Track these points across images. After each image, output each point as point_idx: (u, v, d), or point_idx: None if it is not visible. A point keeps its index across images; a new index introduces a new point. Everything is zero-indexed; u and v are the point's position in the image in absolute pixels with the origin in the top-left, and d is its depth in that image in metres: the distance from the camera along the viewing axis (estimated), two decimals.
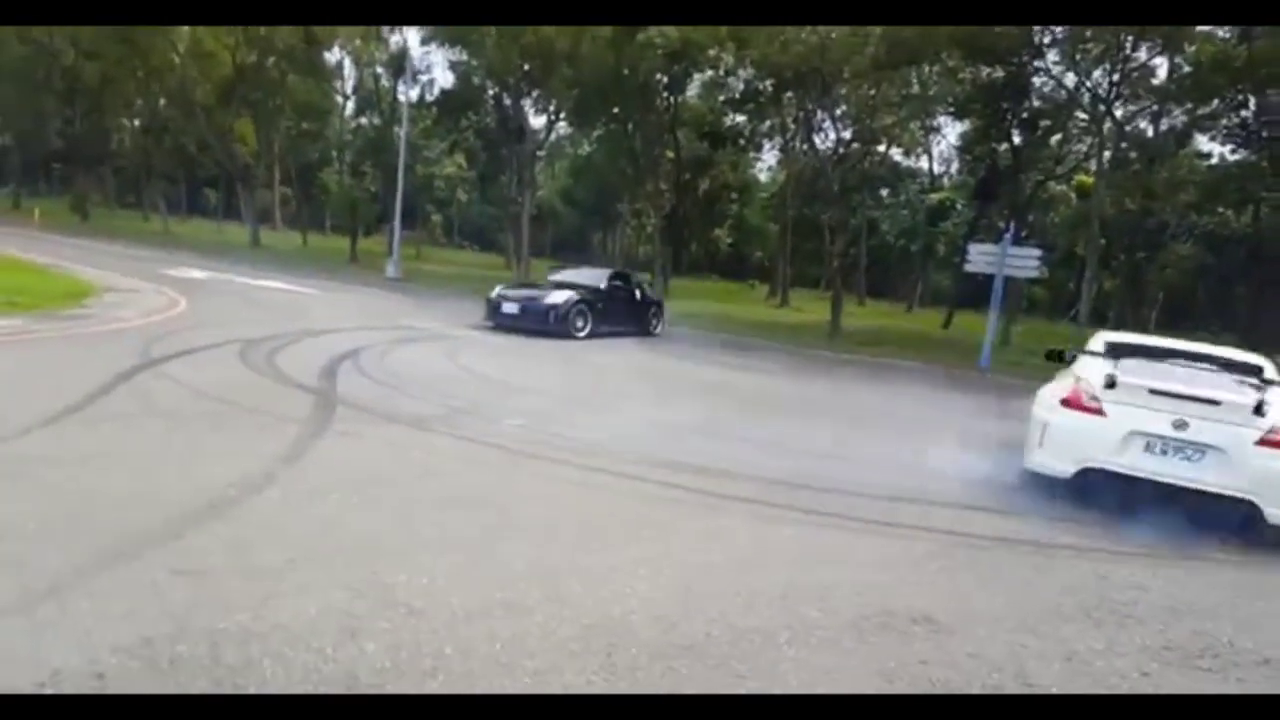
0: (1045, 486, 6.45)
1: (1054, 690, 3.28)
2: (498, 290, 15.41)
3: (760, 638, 3.45)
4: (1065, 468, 6.20)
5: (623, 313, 16.17)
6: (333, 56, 41.12)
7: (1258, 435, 5.73)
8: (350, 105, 46.73)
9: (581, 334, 14.68)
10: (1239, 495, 5.71)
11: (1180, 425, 5.88)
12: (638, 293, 17.12)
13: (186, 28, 40.33)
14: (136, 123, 51.11)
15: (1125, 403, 6.06)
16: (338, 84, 44.48)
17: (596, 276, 16.24)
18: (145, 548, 3.69)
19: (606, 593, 3.74)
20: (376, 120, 40.01)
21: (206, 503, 4.31)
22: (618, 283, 16.45)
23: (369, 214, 39.09)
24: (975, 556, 4.98)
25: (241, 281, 18.86)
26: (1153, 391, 6.00)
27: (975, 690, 3.21)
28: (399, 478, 5.28)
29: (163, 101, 43.44)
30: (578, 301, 14.71)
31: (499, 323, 14.72)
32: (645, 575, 4.01)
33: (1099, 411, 6.11)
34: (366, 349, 10.47)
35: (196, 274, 19.20)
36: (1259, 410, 5.79)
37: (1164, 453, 5.93)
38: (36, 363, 7.80)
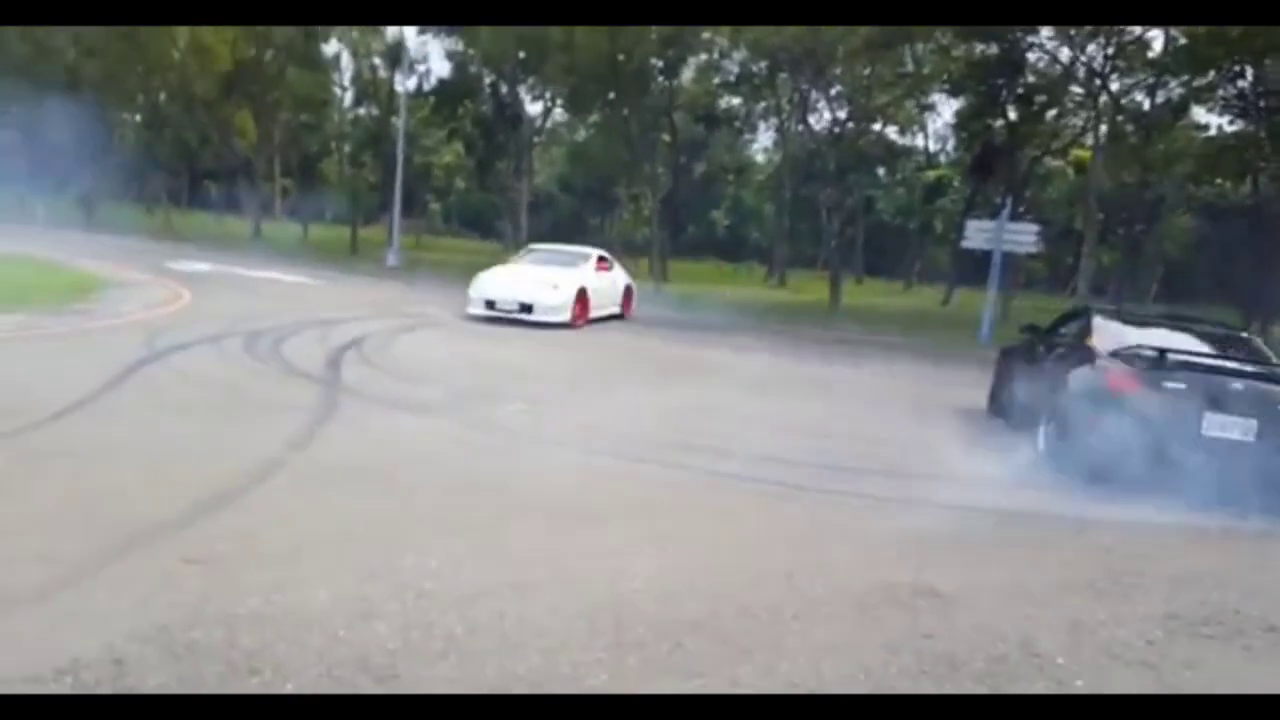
0: (1048, 461, 6.49)
1: (1060, 660, 3.32)
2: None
3: (766, 614, 3.50)
4: None
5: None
6: (330, 49, 41.02)
7: None
8: (349, 97, 46.61)
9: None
10: None
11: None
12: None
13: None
14: (137, 118, 50.99)
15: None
16: (336, 76, 44.36)
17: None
18: (158, 537, 3.74)
19: (612, 572, 3.79)
20: (375, 111, 39.93)
21: (216, 492, 4.35)
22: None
23: (369, 203, 39.06)
24: (978, 530, 5.02)
25: (244, 273, 18.88)
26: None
27: (979, 661, 3.25)
28: (404, 463, 5.32)
29: (163, 96, 43.36)
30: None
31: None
32: (651, 554, 4.05)
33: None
34: (368, 337, 10.51)
35: (200, 266, 19.23)
36: None
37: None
38: (45, 357, 7.83)
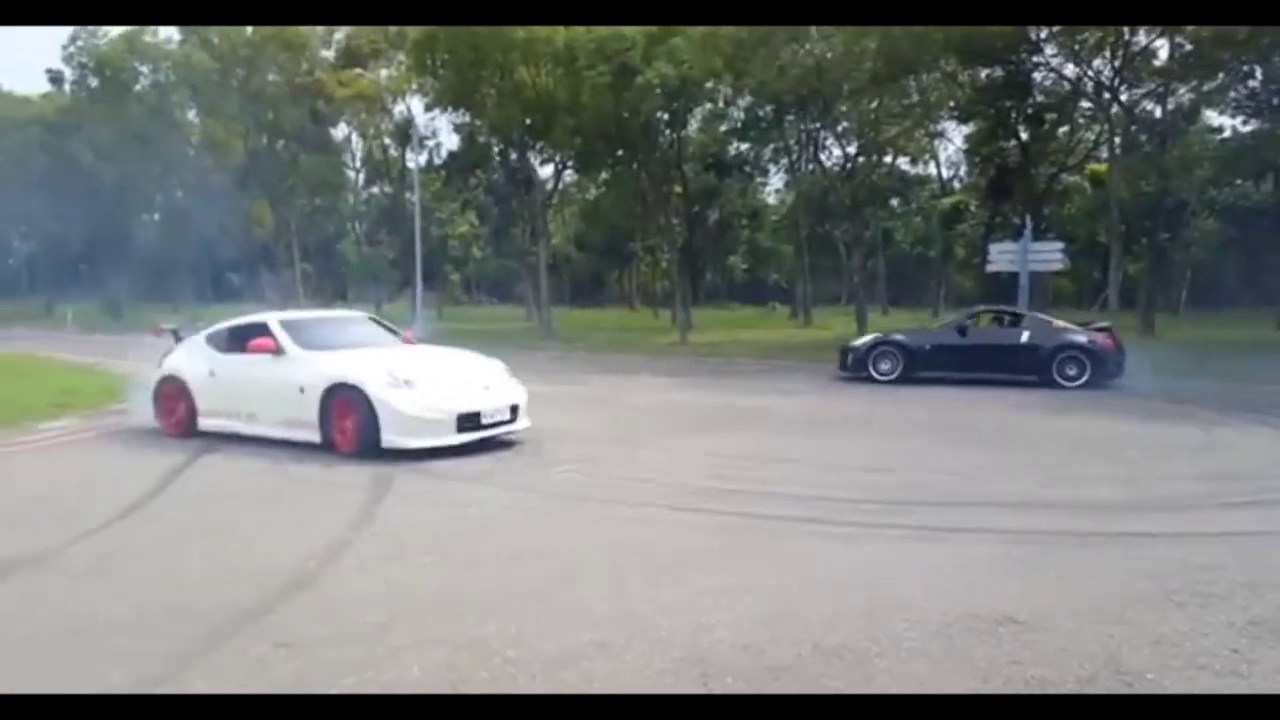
0: (1090, 481, 6.40)
1: (1149, 675, 3.26)
2: None
3: (851, 654, 3.47)
4: None
5: None
6: (339, 132, 42.22)
7: None
8: (360, 177, 47.77)
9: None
10: None
11: None
12: None
13: (196, 121, 41.79)
14: (156, 217, 52.47)
15: None
16: (347, 158, 45.55)
17: None
18: (241, 625, 3.81)
19: (690, 625, 3.79)
20: (388, 189, 40.89)
21: (289, 576, 4.43)
22: None
23: (390, 280, 39.77)
24: (1044, 553, 4.97)
25: None
26: None
27: (1070, 684, 3.20)
28: (464, 535, 5.37)
29: (180, 194, 44.70)
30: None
31: None
32: (725, 604, 4.05)
33: None
34: None
35: None
36: None
37: None
38: (94, 459, 8.06)
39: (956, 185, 42.96)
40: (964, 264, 40.63)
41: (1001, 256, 18.51)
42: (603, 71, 23.70)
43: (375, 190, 46.83)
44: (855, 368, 14.23)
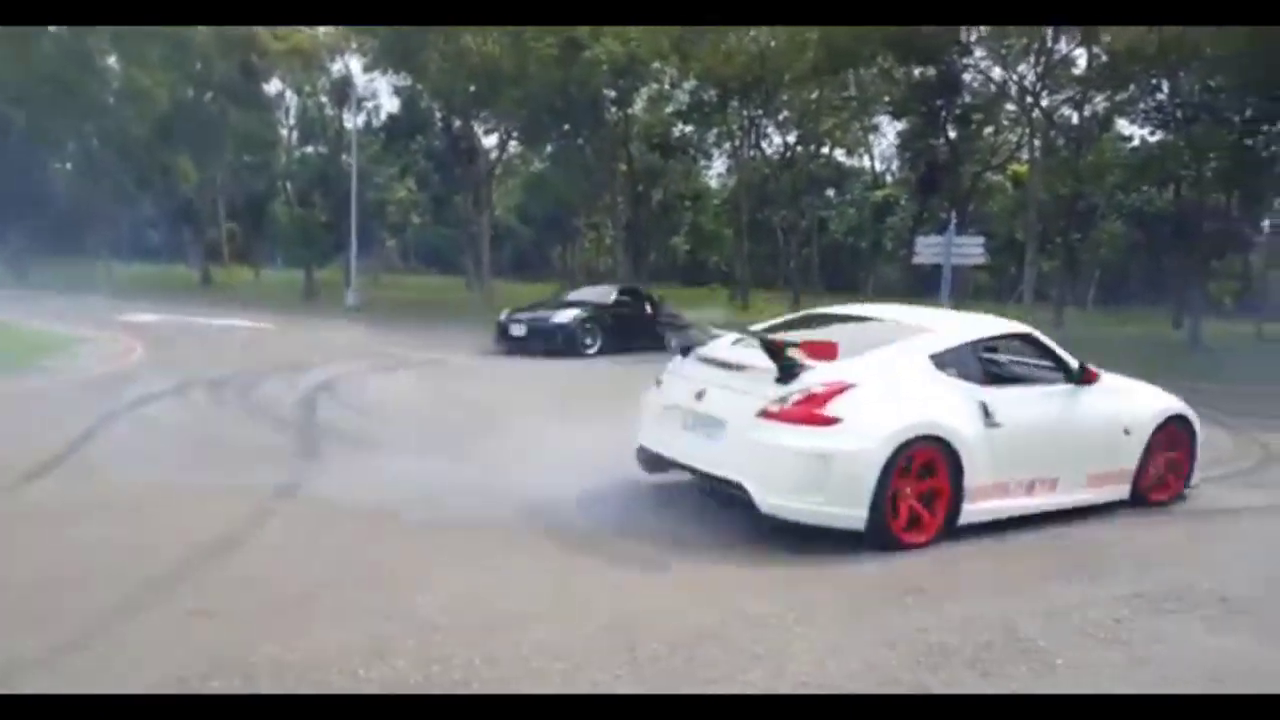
0: None
1: (1040, 643, 3.61)
2: (504, 314, 15.39)
3: (774, 620, 3.74)
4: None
5: (633, 329, 15.26)
6: (273, 88, 40.81)
7: (760, 406, 4.67)
8: (294, 136, 46.29)
9: (590, 351, 14.72)
10: (729, 477, 4.74)
11: (700, 396, 4.98)
12: (648, 307, 16.25)
13: (118, 68, 39.84)
14: (69, 166, 49.87)
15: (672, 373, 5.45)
16: (280, 115, 44.08)
17: (603, 293, 16.53)
18: (162, 591, 3.81)
19: (619, 593, 4.00)
20: (323, 149, 39.79)
21: (211, 542, 4.42)
22: (625, 298, 16.40)
23: (322, 244, 38.78)
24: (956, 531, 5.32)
25: (197, 321, 18.59)
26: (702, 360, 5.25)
27: (969, 650, 3.52)
28: (395, 505, 5.25)
29: (96, 143, 42.52)
30: (584, 319, 14.86)
31: (509, 348, 14.65)
32: (655, 573, 4.29)
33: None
34: (337, 381, 10.45)
35: (149, 317, 18.66)
36: (785, 376, 4.67)
37: (688, 429, 5.06)
38: (10, 419, 7.82)
39: (889, 179, 43.96)
40: (891, 255, 41.73)
41: (927, 249, 19.14)
42: (550, 44, 23.54)
43: (309, 150, 45.38)
44: None
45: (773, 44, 21.50)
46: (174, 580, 3.94)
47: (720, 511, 5.14)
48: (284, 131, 45.62)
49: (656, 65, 26.28)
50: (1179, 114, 24.96)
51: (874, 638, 3.62)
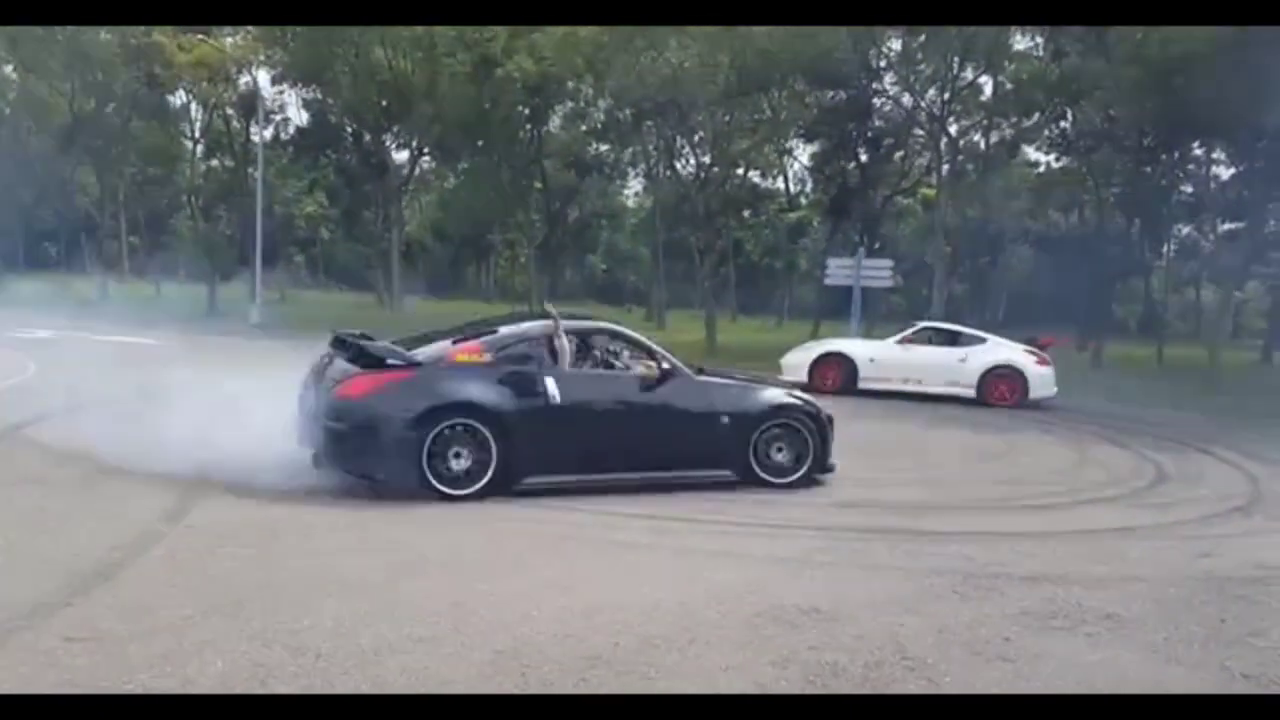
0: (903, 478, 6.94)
1: (929, 660, 3.62)
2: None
3: (665, 643, 3.66)
4: None
5: None
6: (177, 100, 39.38)
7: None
8: (199, 149, 44.70)
9: None
10: None
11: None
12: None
13: (14, 77, 37.96)
14: None
15: None
16: (184, 127, 42.53)
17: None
18: (35, 618, 3.59)
19: (512, 618, 3.87)
20: (229, 162, 38.53)
21: (91, 567, 4.19)
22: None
23: (227, 258, 37.41)
24: (851, 549, 5.37)
25: (93, 338, 17.66)
26: None
27: (859, 669, 3.50)
28: (288, 530, 5.16)
29: None
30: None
31: None
32: (549, 598, 4.16)
33: None
34: (237, 399, 10.02)
35: (42, 333, 17.71)
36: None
37: None
38: None
39: (803, 201, 44.94)
40: (806, 275, 42.61)
41: (839, 271, 19.57)
42: (463, 60, 23.32)
43: (215, 163, 43.91)
44: None
45: (685, 65, 21.73)
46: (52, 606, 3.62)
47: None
48: (189, 144, 44.10)
49: (571, 84, 26.30)
50: (1081, 142, 26.23)
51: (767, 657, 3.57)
